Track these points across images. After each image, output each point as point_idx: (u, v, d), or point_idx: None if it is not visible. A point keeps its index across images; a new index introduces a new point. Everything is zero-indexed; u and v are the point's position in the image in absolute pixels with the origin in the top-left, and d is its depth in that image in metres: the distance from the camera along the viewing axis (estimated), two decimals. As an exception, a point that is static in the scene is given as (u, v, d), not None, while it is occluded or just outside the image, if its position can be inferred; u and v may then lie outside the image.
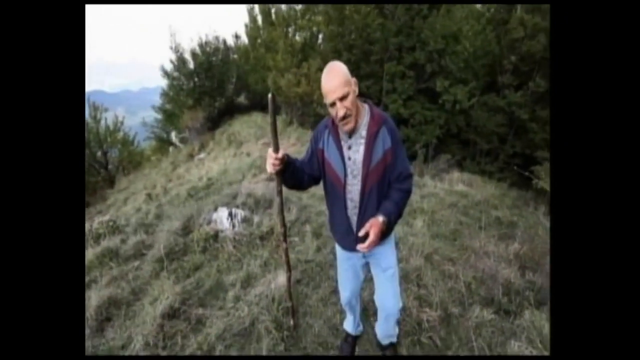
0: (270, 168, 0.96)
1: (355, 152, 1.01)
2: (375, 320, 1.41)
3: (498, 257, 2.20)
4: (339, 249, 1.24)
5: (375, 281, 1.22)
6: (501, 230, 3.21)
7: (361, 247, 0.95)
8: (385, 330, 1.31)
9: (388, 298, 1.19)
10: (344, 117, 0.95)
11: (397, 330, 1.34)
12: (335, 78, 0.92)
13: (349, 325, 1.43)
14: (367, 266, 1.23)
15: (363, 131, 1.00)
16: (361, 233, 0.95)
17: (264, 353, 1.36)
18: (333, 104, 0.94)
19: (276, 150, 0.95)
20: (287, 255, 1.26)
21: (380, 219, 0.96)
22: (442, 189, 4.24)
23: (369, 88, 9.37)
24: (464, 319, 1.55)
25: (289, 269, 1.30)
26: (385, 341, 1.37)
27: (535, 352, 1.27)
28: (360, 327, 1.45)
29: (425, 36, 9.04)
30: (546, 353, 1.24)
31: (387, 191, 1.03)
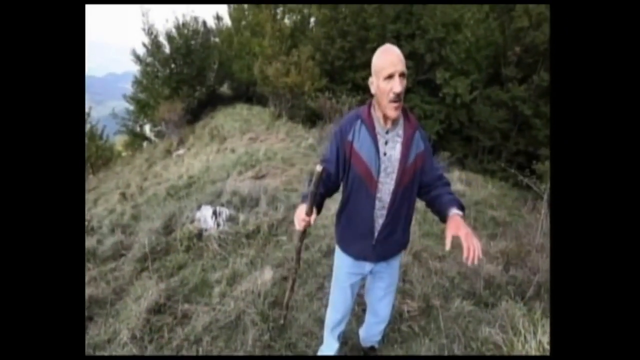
0: (298, 226, 1.00)
1: (392, 149, 1.04)
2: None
3: (484, 254, 2.47)
4: (343, 262, 1.23)
5: (374, 292, 1.30)
6: (495, 230, 3.53)
7: (471, 254, 0.88)
8: (372, 334, 1.43)
9: (384, 307, 1.30)
10: (398, 97, 0.96)
11: (381, 334, 1.43)
12: (397, 54, 0.96)
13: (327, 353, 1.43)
14: (363, 280, 1.29)
15: (400, 130, 1.06)
16: (450, 242, 0.90)
17: (250, 343, 1.56)
18: (390, 77, 0.95)
19: (309, 213, 0.98)
20: (293, 282, 1.41)
21: (460, 214, 0.93)
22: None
23: (365, 79, 9.60)
24: (443, 310, 1.81)
25: (292, 289, 1.48)
26: (367, 343, 1.50)
27: (504, 337, 1.53)
28: None
29: (424, 23, 9.36)
30: (512, 336, 1.49)
31: (435, 190, 1.08)
